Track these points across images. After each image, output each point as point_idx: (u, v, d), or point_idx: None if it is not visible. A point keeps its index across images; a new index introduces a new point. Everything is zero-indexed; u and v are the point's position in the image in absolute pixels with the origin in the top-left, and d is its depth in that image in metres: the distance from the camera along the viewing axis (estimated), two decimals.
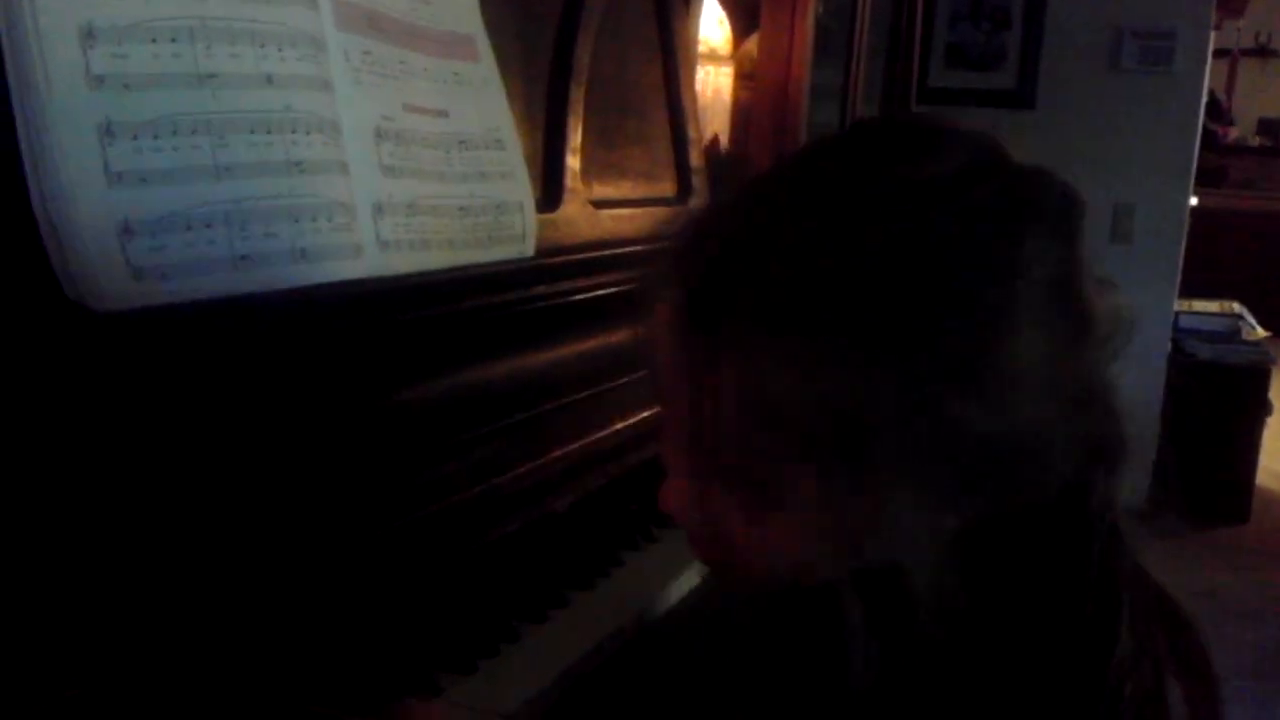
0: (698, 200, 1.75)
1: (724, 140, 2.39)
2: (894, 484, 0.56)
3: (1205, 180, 6.17)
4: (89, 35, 0.82)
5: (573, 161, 1.43)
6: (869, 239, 0.56)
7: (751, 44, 2.24)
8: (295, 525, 0.90)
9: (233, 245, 0.89)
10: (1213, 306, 4.12)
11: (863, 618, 0.57)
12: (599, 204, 1.48)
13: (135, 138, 0.84)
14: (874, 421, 0.55)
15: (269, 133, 0.93)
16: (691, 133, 1.75)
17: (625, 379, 1.39)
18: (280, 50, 0.95)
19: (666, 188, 1.71)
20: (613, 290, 1.45)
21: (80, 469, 0.76)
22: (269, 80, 0.94)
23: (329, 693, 0.88)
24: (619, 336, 1.38)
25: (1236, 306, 4.15)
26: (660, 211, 1.64)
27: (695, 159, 1.76)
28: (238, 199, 0.90)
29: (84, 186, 0.81)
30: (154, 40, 0.86)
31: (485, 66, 1.23)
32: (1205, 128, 4.28)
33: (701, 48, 2.08)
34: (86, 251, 0.80)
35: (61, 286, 0.80)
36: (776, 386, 0.57)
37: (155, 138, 0.85)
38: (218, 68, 0.90)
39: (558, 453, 1.25)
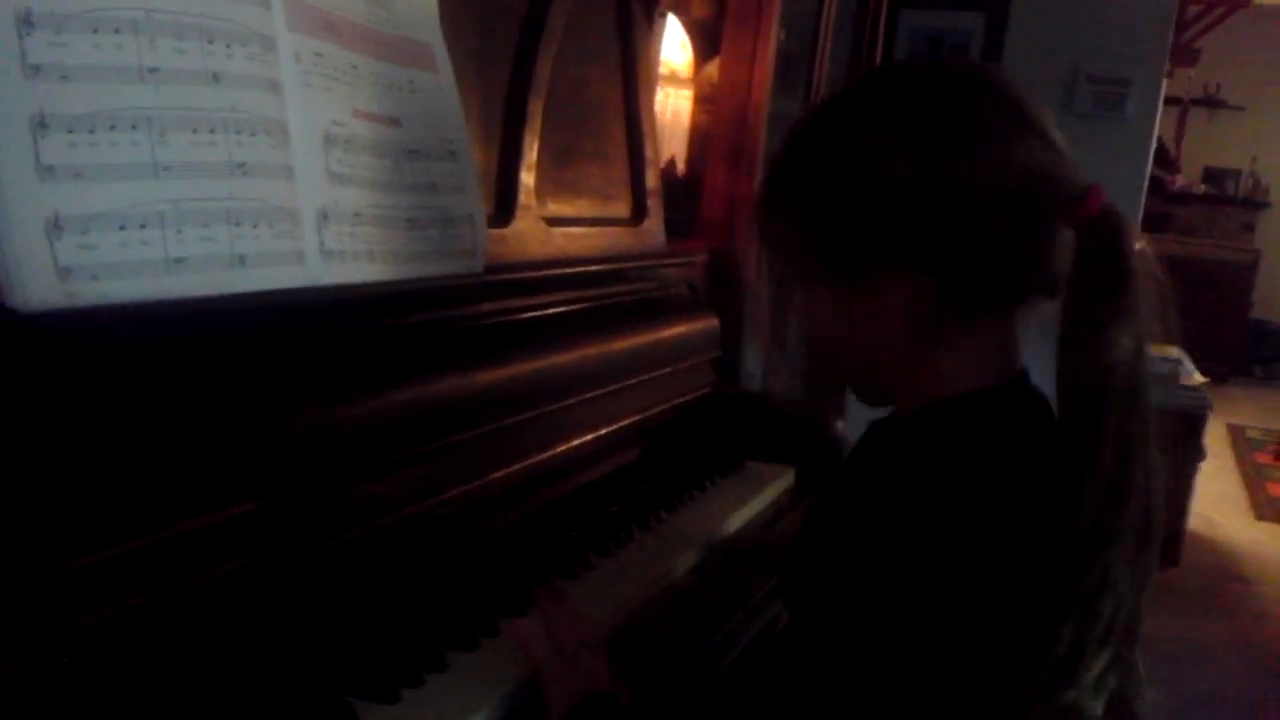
0: (652, 222, 1.73)
1: (680, 164, 2.38)
2: None
3: (1149, 226, 6.28)
4: (26, 22, 0.78)
5: (527, 177, 1.40)
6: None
7: (712, 68, 2.23)
8: (219, 540, 0.86)
9: (167, 247, 0.86)
10: (1152, 350, 4.16)
11: None
12: (552, 221, 1.46)
13: (70, 131, 0.80)
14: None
15: (212, 132, 0.90)
16: (649, 154, 1.73)
17: (573, 400, 1.36)
18: (228, 48, 0.92)
19: (621, 208, 1.69)
20: (563, 309, 1.43)
21: None
22: (215, 78, 0.91)
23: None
24: (568, 357, 1.35)
25: (1175, 351, 4.19)
26: (614, 232, 1.62)
27: (652, 180, 1.74)
28: (175, 199, 0.86)
29: (12, 179, 0.77)
30: (95, 30, 0.82)
31: (441, 76, 1.20)
32: (1152, 174, 4.34)
33: (662, 69, 2.07)
34: (11, 247, 0.76)
35: None
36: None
37: (91, 132, 0.81)
38: (161, 62, 0.86)
39: (498, 474, 1.22)
